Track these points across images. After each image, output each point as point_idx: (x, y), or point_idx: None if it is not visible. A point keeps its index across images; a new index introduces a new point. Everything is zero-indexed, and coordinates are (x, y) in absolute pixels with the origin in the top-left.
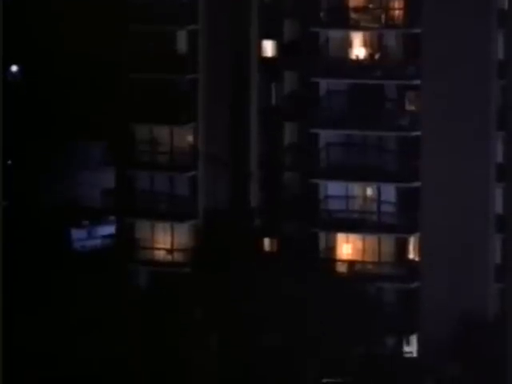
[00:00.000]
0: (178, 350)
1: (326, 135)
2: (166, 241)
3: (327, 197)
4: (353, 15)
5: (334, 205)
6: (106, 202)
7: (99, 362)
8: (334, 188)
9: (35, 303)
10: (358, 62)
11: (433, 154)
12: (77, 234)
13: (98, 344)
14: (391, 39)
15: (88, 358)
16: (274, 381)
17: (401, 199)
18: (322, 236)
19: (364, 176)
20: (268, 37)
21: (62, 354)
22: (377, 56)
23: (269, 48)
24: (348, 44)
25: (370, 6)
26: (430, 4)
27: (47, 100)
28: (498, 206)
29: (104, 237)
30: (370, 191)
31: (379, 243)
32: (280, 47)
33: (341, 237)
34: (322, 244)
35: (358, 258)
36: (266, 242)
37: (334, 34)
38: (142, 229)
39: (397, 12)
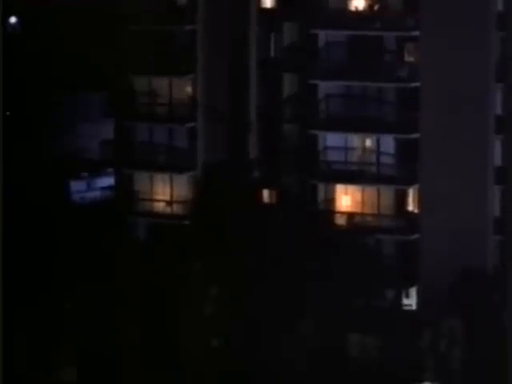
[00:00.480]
0: (177, 302)
1: (325, 86)
2: (165, 192)
3: (326, 148)
4: None
5: (333, 156)
6: (104, 153)
7: (98, 313)
8: (333, 139)
9: (34, 256)
10: (357, 13)
11: (431, 105)
12: (76, 185)
13: (97, 296)
14: None
15: (87, 308)
16: (272, 332)
17: (400, 150)
18: (321, 187)
19: (363, 127)
20: None
21: (61, 304)
22: (376, 7)
23: None
24: None
25: None
26: None
27: (46, 51)
28: (497, 158)
29: (103, 188)
30: (369, 142)
31: (378, 195)
32: None
33: (340, 188)
34: (321, 196)
35: (357, 209)
36: (265, 193)
37: None
38: (141, 180)
39: None
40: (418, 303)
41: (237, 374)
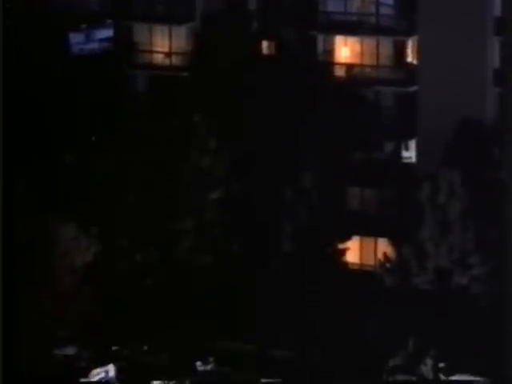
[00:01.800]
0: (177, 155)
1: None
2: (164, 44)
3: None
4: None
5: (332, 6)
6: (103, 4)
7: (98, 167)
8: None
9: (34, 110)
10: None
11: None
12: (75, 37)
13: (96, 149)
14: None
15: (87, 162)
16: (272, 184)
17: (399, 1)
18: (320, 39)
19: None
20: None
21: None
22: None
23: None
24: None
25: None
26: None
27: None
28: (497, 9)
29: (102, 40)
30: None
31: (377, 46)
32: None
33: (339, 39)
34: (320, 47)
35: (356, 61)
36: (265, 44)
37: None
38: (140, 32)
39: None
40: (418, 155)
41: (238, 227)
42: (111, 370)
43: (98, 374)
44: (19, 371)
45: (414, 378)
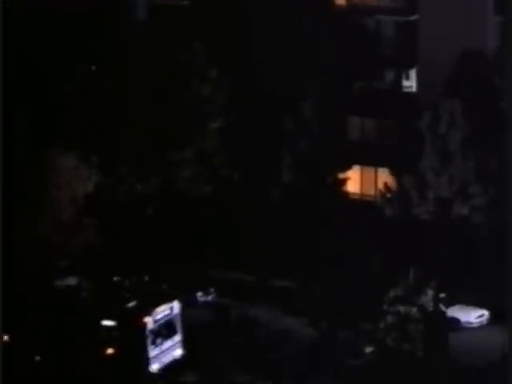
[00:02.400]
0: (177, 84)
1: None
2: None
3: None
4: None
5: None
6: None
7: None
8: None
9: (35, 41)
10: None
11: None
12: None
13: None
14: None
15: (87, 91)
16: (271, 116)
17: None
18: None
19: None
20: None
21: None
22: None
23: None
24: None
25: None
26: None
27: None
28: None
29: None
30: None
31: None
32: None
33: None
34: None
35: None
36: None
37: None
38: None
39: None
40: (418, 85)
41: (238, 157)
42: (176, 306)
43: (162, 311)
44: (21, 302)
45: (414, 309)
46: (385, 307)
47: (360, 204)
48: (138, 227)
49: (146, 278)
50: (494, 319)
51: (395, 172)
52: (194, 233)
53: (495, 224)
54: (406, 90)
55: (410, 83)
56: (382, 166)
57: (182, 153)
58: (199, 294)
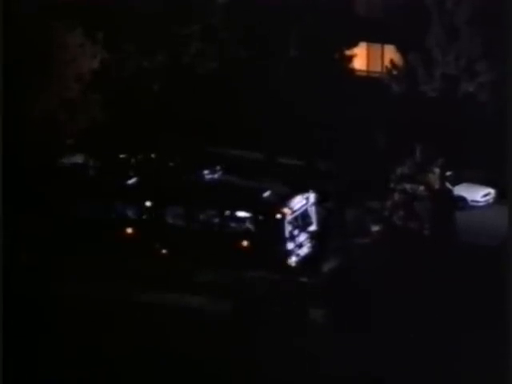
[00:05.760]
0: None
1: None
2: None
3: None
4: None
5: None
6: None
7: None
8: None
9: None
10: None
11: None
12: None
13: None
14: None
15: None
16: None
17: None
18: None
19: None
20: None
21: None
22: None
23: None
24: None
25: None
26: None
27: None
28: None
29: None
30: None
31: None
32: None
33: None
34: None
35: None
36: None
37: None
38: None
39: None
40: None
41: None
42: (311, 196)
43: (299, 201)
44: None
45: (421, 187)
46: (391, 185)
47: (366, 81)
48: (145, 103)
49: (153, 156)
50: (501, 198)
51: (402, 49)
52: (201, 109)
53: (502, 102)
54: None
55: None
56: (389, 43)
57: (188, 28)
58: (206, 171)
